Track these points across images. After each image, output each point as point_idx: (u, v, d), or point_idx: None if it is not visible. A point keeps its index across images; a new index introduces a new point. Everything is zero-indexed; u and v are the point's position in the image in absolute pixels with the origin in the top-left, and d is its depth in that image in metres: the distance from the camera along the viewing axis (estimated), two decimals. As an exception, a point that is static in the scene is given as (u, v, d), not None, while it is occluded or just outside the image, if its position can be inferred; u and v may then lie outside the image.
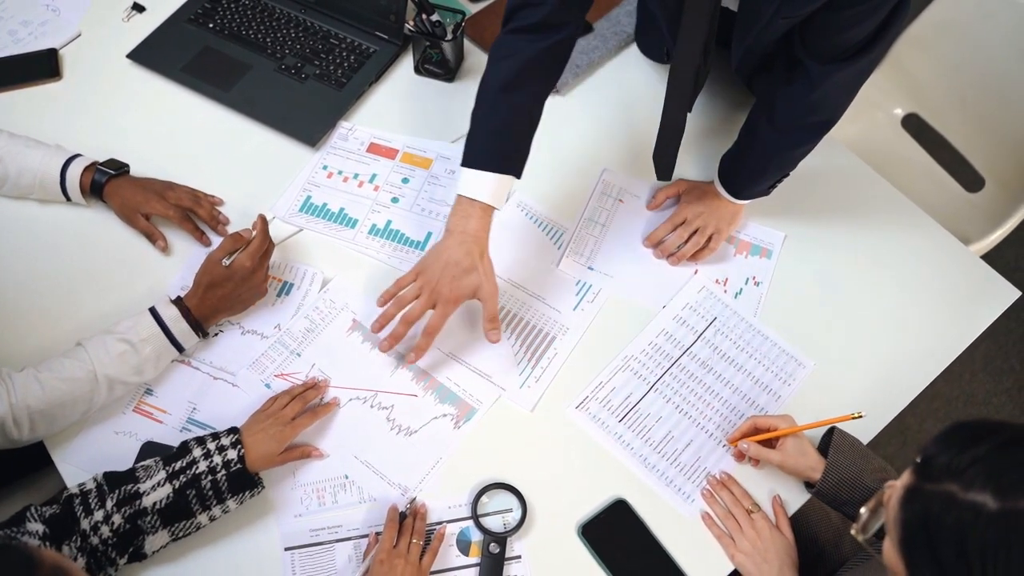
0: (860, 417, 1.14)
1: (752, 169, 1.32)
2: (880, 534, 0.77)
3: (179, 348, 1.19)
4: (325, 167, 1.44)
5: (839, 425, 1.18)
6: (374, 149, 1.47)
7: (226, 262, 1.20)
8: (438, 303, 1.18)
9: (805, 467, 1.15)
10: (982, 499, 0.66)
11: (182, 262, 1.33)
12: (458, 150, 1.45)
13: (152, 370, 1.18)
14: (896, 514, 0.73)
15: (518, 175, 1.22)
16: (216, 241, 1.35)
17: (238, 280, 1.20)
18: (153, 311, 1.17)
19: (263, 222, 1.23)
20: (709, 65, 1.28)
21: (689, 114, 1.31)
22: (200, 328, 1.20)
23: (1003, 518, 0.65)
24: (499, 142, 1.20)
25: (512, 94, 1.18)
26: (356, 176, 1.44)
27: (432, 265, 1.19)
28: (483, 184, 1.18)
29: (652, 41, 1.54)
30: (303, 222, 1.38)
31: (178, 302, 1.19)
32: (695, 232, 1.36)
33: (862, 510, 0.79)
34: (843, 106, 1.21)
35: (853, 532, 0.80)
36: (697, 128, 1.51)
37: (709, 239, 1.36)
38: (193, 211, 1.34)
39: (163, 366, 1.20)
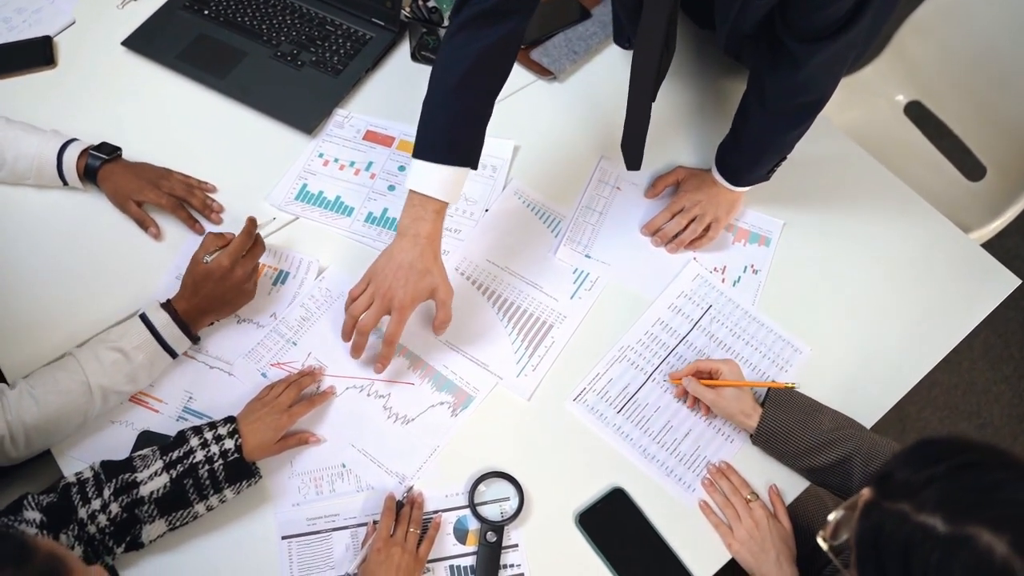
0: (792, 387, 1.21)
1: (748, 155, 1.31)
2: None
3: (172, 354, 1.18)
4: (321, 155, 1.43)
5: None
6: (370, 137, 1.46)
7: (206, 259, 1.18)
8: (393, 310, 1.15)
9: (737, 410, 1.18)
10: (932, 522, 0.67)
11: (177, 249, 1.33)
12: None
13: (146, 377, 1.17)
14: (854, 528, 0.74)
15: (474, 166, 1.17)
16: (207, 226, 1.35)
17: (217, 279, 1.17)
18: (143, 317, 1.16)
19: (250, 223, 1.21)
20: (672, 52, 1.27)
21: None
22: (189, 331, 1.19)
23: (949, 542, 0.66)
24: (454, 134, 1.15)
25: (468, 89, 1.14)
26: (352, 164, 1.43)
27: (383, 270, 1.16)
28: (437, 178, 1.14)
29: (619, 29, 1.53)
30: (299, 210, 1.37)
31: (167, 306, 1.18)
32: (693, 220, 1.35)
33: (830, 517, 0.79)
34: (832, 84, 1.20)
35: (819, 539, 0.80)
36: (691, 113, 1.50)
37: (708, 228, 1.35)
38: (186, 200, 1.34)
39: (156, 373, 1.19)
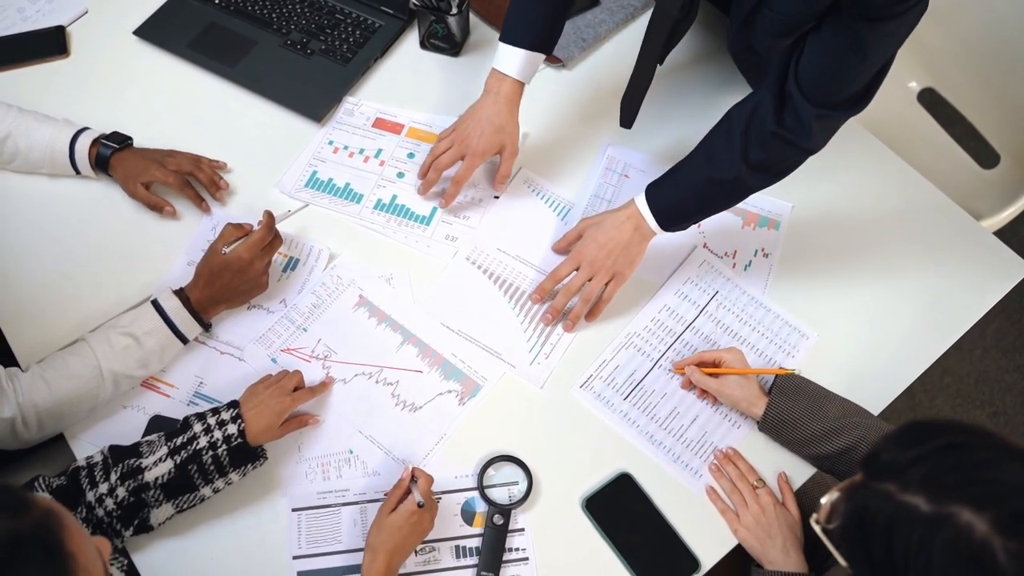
0: (793, 373, 1.20)
1: (702, 191, 1.21)
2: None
3: (183, 339, 1.19)
4: (331, 142, 1.44)
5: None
6: (380, 124, 1.46)
7: (225, 250, 1.19)
8: (466, 155, 1.30)
9: (741, 398, 1.18)
10: (915, 501, 0.67)
11: (188, 236, 1.34)
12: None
13: (157, 363, 1.18)
14: (843, 508, 0.74)
15: (549, 52, 1.31)
16: (218, 213, 1.36)
17: (235, 271, 1.19)
18: (155, 303, 1.17)
19: (268, 217, 1.22)
20: (691, 22, 1.32)
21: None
22: (200, 319, 1.20)
23: (931, 521, 0.66)
24: (533, 22, 1.28)
25: None
26: (362, 151, 1.43)
27: (466, 121, 1.32)
28: (514, 59, 1.28)
29: None
30: (309, 197, 1.38)
31: (179, 293, 1.19)
32: (589, 280, 1.25)
33: (823, 500, 0.79)
34: (868, 78, 1.10)
35: (812, 521, 0.80)
36: (693, 93, 1.49)
37: (605, 288, 1.26)
38: (193, 175, 1.35)
39: (168, 359, 1.20)
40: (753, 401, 1.18)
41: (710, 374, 1.20)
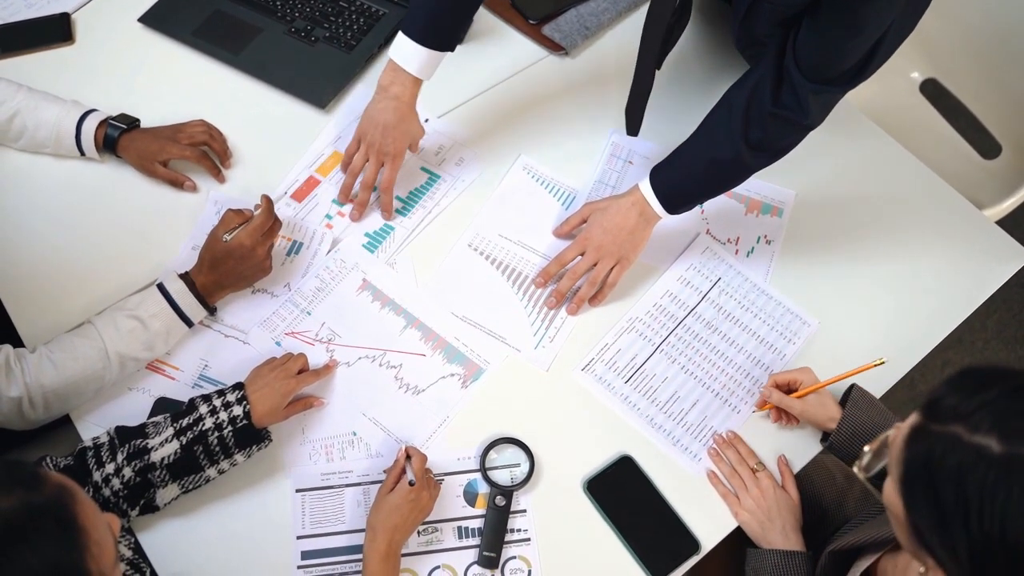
0: (882, 363, 1.15)
1: (704, 170, 1.23)
2: (882, 476, 0.77)
3: (188, 323, 1.20)
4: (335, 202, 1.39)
5: (859, 382, 1.19)
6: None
7: (226, 238, 1.19)
8: (386, 161, 1.30)
9: (825, 417, 1.16)
10: (987, 442, 0.66)
11: (194, 220, 1.35)
12: (464, 114, 1.45)
13: (162, 345, 1.19)
14: (899, 453, 0.72)
15: (451, 49, 1.27)
16: (222, 198, 1.37)
17: (238, 257, 1.20)
18: (161, 287, 1.18)
19: (267, 202, 1.23)
20: (685, 24, 1.31)
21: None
22: (205, 302, 1.21)
23: (1006, 462, 0.65)
24: (440, 21, 1.23)
25: None
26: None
27: (371, 131, 1.29)
28: (415, 55, 1.24)
29: None
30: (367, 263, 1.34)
31: (184, 276, 1.20)
32: (595, 265, 1.27)
33: (865, 448, 0.79)
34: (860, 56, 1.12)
35: (855, 469, 0.80)
36: (696, 92, 1.50)
37: (610, 272, 1.28)
38: (208, 145, 1.37)
39: (173, 342, 1.21)
40: (834, 418, 1.16)
41: (794, 395, 1.18)
